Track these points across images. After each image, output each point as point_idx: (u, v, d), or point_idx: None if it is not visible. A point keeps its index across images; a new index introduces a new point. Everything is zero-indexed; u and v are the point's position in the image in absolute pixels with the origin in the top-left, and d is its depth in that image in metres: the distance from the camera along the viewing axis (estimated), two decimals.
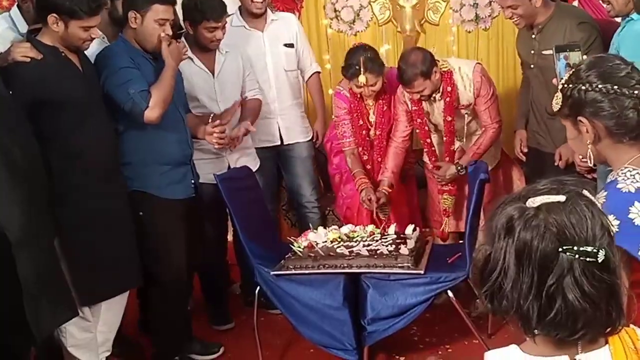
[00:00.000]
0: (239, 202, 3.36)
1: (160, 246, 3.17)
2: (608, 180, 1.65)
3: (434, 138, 3.73)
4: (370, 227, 3.42)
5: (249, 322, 3.49)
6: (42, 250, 2.60)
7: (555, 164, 3.33)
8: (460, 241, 3.70)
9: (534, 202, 1.12)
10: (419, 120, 3.63)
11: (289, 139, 4.06)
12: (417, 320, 3.22)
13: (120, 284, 3.09)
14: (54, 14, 2.76)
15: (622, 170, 1.62)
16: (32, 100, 2.75)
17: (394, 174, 3.71)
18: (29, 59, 2.75)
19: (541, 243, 1.08)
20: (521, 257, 1.10)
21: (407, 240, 3.22)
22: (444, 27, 4.90)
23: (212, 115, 3.45)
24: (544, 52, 3.28)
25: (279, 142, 4.05)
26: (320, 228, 3.43)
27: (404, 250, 3.14)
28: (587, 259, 1.07)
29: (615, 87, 1.58)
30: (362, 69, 3.50)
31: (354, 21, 4.91)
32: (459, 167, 3.61)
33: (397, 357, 3.39)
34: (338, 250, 3.18)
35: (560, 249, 1.08)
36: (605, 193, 1.58)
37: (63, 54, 2.85)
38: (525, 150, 3.68)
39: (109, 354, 3.18)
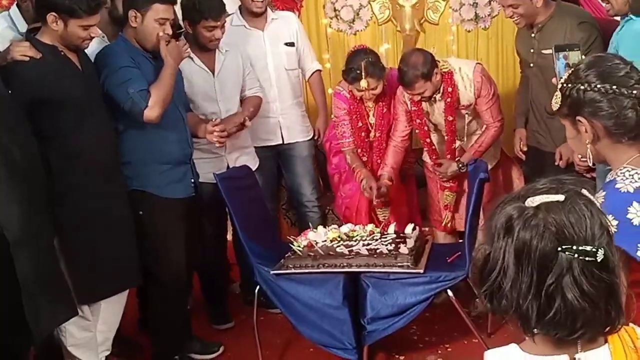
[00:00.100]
0: (238, 201, 3.36)
1: (160, 245, 3.17)
2: (607, 180, 1.65)
3: (434, 137, 3.73)
4: (370, 227, 3.42)
5: (248, 321, 3.49)
6: (41, 249, 2.60)
7: (556, 163, 3.33)
8: (460, 240, 3.70)
9: (533, 201, 1.12)
10: (418, 120, 3.63)
11: (289, 138, 4.06)
12: (417, 319, 3.22)
13: (120, 283, 3.09)
14: (53, 13, 2.75)
15: (620, 170, 1.62)
16: (32, 99, 2.75)
17: (394, 169, 3.71)
18: (28, 58, 2.75)
19: (540, 242, 1.08)
20: (520, 257, 1.10)
21: (407, 240, 3.22)
22: (443, 26, 4.90)
23: (215, 119, 3.45)
24: (543, 51, 3.28)
25: (280, 142, 4.04)
26: (320, 227, 3.44)
27: (403, 249, 3.14)
28: (586, 258, 1.07)
29: (614, 86, 1.58)
30: (363, 74, 3.49)
31: (353, 20, 4.91)
32: (460, 165, 3.61)
33: (397, 356, 3.39)
34: (338, 249, 3.18)
35: (559, 249, 1.08)
36: (604, 193, 1.58)
37: (62, 53, 2.85)
38: (525, 149, 3.68)
39: (108, 353, 3.18)
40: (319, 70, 4.23)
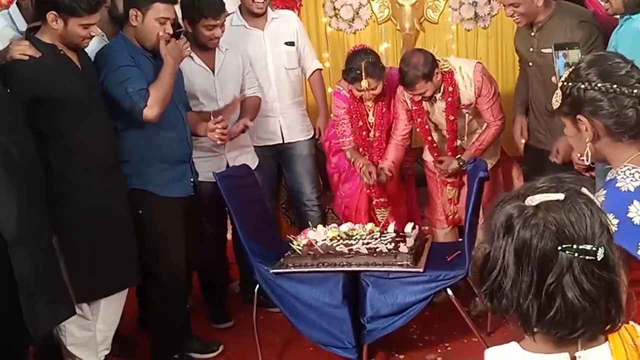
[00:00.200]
0: (238, 200, 3.36)
1: (160, 245, 3.17)
2: (607, 178, 1.65)
3: (434, 136, 3.73)
4: (370, 226, 3.42)
5: (248, 320, 3.49)
6: (40, 249, 2.60)
7: (552, 159, 3.31)
8: (460, 239, 3.70)
9: (533, 200, 1.11)
10: (419, 119, 3.64)
11: (290, 137, 4.06)
12: (417, 318, 3.22)
13: (120, 282, 3.09)
14: (54, 12, 2.75)
15: (621, 168, 1.61)
16: (31, 98, 2.74)
17: (394, 164, 3.71)
18: (27, 57, 2.74)
19: (540, 242, 1.08)
20: (520, 256, 1.09)
21: (407, 239, 3.22)
22: (443, 25, 4.91)
23: (212, 112, 3.45)
24: (543, 50, 3.28)
25: (280, 141, 4.04)
26: (320, 226, 3.44)
27: (403, 248, 3.14)
28: (587, 257, 1.07)
29: (615, 86, 1.58)
30: (363, 74, 3.49)
31: (353, 19, 4.92)
32: (461, 163, 3.62)
33: (397, 355, 3.39)
34: (337, 248, 3.18)
35: (559, 248, 1.07)
36: (605, 192, 1.58)
37: (62, 52, 2.85)
38: (526, 135, 3.66)
39: (108, 352, 3.18)
40: (320, 69, 4.22)
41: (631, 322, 1.22)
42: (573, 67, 1.66)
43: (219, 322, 3.83)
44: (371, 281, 3.11)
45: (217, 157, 3.63)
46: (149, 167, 3.15)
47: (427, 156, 3.85)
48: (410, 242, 3.19)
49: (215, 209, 3.58)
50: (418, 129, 3.72)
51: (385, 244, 3.19)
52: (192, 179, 3.30)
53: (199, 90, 3.57)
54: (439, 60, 3.49)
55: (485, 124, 3.64)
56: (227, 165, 3.63)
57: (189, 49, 3.26)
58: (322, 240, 3.25)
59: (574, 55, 1.86)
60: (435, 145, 3.73)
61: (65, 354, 3.05)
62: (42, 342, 3.08)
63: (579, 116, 1.63)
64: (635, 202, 1.53)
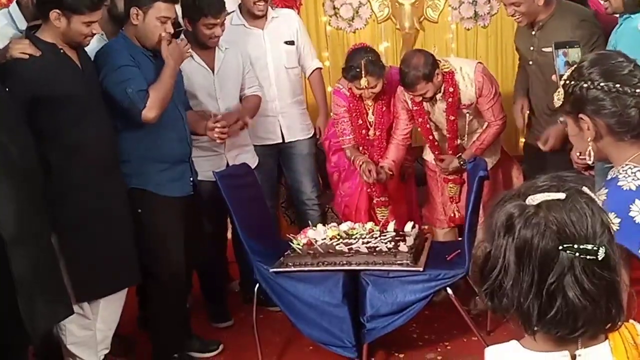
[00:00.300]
0: (237, 199, 3.36)
1: (159, 244, 3.17)
2: (608, 177, 1.65)
3: (435, 135, 3.73)
4: (370, 225, 3.42)
5: (248, 319, 3.49)
6: (39, 249, 2.60)
7: (540, 144, 3.30)
8: (459, 238, 3.70)
9: (533, 199, 1.11)
10: (420, 119, 3.64)
11: (290, 136, 4.05)
12: (416, 317, 3.23)
13: (119, 282, 3.09)
14: (57, 10, 2.75)
15: (622, 167, 1.61)
16: (31, 97, 2.74)
17: (395, 163, 3.72)
18: (27, 56, 2.74)
19: (541, 241, 1.08)
20: (521, 256, 1.09)
21: (406, 238, 3.22)
22: (443, 24, 4.90)
23: (212, 114, 3.45)
24: (544, 49, 3.28)
25: (280, 140, 4.04)
26: (320, 225, 3.44)
27: (403, 247, 3.14)
28: (588, 257, 1.07)
29: (618, 85, 1.58)
30: (363, 72, 3.49)
31: (353, 18, 4.91)
32: (462, 161, 3.62)
33: (396, 354, 3.39)
34: (337, 247, 3.18)
35: (560, 247, 1.07)
36: (606, 190, 1.57)
37: (62, 51, 2.85)
38: (526, 114, 3.65)
39: (107, 351, 3.18)
40: (320, 68, 4.22)
41: (631, 321, 1.22)
42: (576, 66, 1.66)
43: (218, 322, 3.82)
44: (371, 280, 3.11)
45: (217, 156, 3.63)
46: (149, 166, 3.14)
47: (428, 155, 3.85)
48: (410, 241, 3.19)
49: (215, 208, 3.57)
50: (419, 129, 3.72)
51: (385, 243, 3.19)
52: (191, 179, 3.30)
53: (198, 89, 3.57)
54: (439, 61, 3.49)
55: (486, 124, 3.64)
56: (227, 165, 3.63)
57: (190, 50, 3.26)
58: (322, 240, 3.25)
59: (574, 53, 1.86)
60: (436, 144, 3.73)
61: (65, 353, 3.05)
62: (42, 341, 3.08)
63: (581, 115, 1.63)
64: (637, 201, 1.53)
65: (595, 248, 1.07)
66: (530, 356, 1.16)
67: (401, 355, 3.38)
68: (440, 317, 3.61)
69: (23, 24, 3.07)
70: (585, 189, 1.14)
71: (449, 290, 3.13)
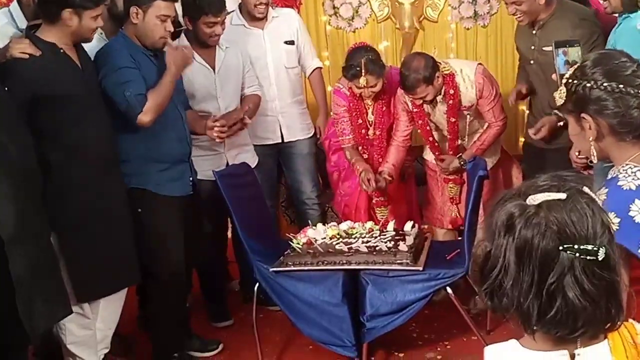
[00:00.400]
0: (237, 198, 3.36)
1: (159, 244, 3.17)
2: (609, 177, 1.65)
3: (435, 135, 3.73)
4: (369, 224, 3.42)
5: (248, 318, 3.49)
6: (38, 248, 2.60)
7: (531, 133, 3.30)
8: (459, 238, 3.70)
9: (534, 199, 1.11)
10: (420, 121, 3.64)
11: (290, 136, 4.05)
12: (416, 316, 3.23)
13: (119, 282, 3.09)
14: (68, 9, 2.76)
15: (623, 167, 1.61)
16: (31, 97, 2.74)
17: (395, 167, 3.72)
18: (27, 56, 2.74)
19: (542, 241, 1.08)
20: (522, 256, 1.09)
21: (406, 237, 3.22)
22: (442, 24, 4.89)
23: (213, 116, 3.45)
24: (544, 48, 3.28)
25: (279, 140, 4.04)
26: (319, 225, 3.44)
27: (402, 246, 3.14)
28: (588, 257, 1.07)
29: (621, 86, 1.58)
30: (363, 71, 3.49)
31: (352, 18, 4.90)
32: (462, 162, 3.62)
33: (396, 353, 3.39)
34: (337, 246, 3.18)
35: (560, 248, 1.07)
36: (606, 190, 1.57)
37: (62, 51, 2.85)
38: (514, 98, 3.65)
39: (107, 351, 3.18)
40: (320, 68, 4.22)
41: (630, 320, 1.22)
42: (579, 65, 1.66)
43: (218, 321, 3.83)
44: (371, 279, 3.11)
45: (216, 155, 3.63)
46: (149, 166, 3.14)
47: (428, 155, 3.85)
48: (409, 240, 3.19)
49: (215, 207, 3.57)
50: (419, 130, 3.72)
51: (385, 243, 3.19)
52: (191, 178, 3.30)
53: (199, 88, 3.57)
54: (439, 63, 3.49)
55: (487, 124, 3.64)
56: (227, 164, 3.63)
57: (193, 58, 3.26)
58: (322, 239, 3.25)
59: (574, 52, 1.86)
60: (437, 144, 3.73)
61: (65, 352, 3.05)
62: (42, 341, 3.09)
63: (583, 114, 1.63)
64: (637, 200, 1.53)
65: (595, 248, 1.07)
66: (530, 355, 1.16)
67: (401, 355, 3.39)
68: (440, 317, 3.61)
69: (23, 23, 3.07)
70: (585, 189, 1.14)
71: (449, 290, 3.14)
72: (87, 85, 2.93)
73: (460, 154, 3.67)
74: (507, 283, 1.11)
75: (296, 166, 4.11)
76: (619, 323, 1.14)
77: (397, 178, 3.82)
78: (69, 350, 3.02)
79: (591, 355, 1.14)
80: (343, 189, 4.01)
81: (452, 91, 3.50)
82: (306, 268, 3.17)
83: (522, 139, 3.76)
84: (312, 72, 4.17)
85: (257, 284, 3.30)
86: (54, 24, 2.80)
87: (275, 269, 3.21)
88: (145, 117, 2.99)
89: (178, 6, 3.45)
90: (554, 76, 1.81)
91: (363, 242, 3.20)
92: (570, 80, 1.64)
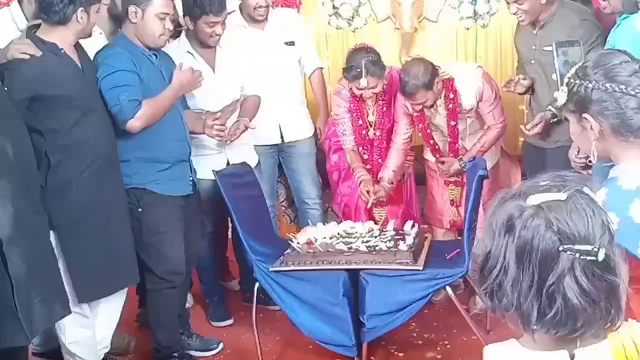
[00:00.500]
0: (237, 198, 3.36)
1: (159, 243, 3.17)
2: (609, 177, 1.65)
3: (435, 136, 3.73)
4: (369, 224, 3.43)
5: (248, 318, 3.49)
6: (36, 248, 2.60)
7: (528, 128, 3.30)
8: (459, 238, 3.71)
9: (534, 199, 1.11)
10: (420, 125, 3.64)
11: (290, 136, 4.05)
12: (416, 316, 3.23)
13: (119, 282, 3.09)
14: (81, 8, 2.77)
15: (623, 167, 1.62)
16: (32, 97, 2.75)
17: (395, 172, 3.72)
18: (28, 56, 2.74)
19: (542, 242, 1.08)
20: (522, 256, 1.09)
21: (406, 237, 3.23)
22: (442, 24, 4.90)
23: (206, 112, 3.44)
24: (545, 48, 3.28)
25: (279, 141, 4.04)
26: (320, 224, 3.44)
27: (402, 246, 3.15)
28: (588, 258, 1.07)
29: (622, 86, 1.58)
30: (363, 72, 3.49)
31: (352, 18, 4.91)
32: (462, 164, 3.62)
33: (396, 353, 3.40)
34: (337, 246, 3.19)
35: (560, 248, 1.07)
36: (606, 190, 1.57)
37: (62, 51, 2.85)
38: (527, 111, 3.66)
39: (107, 350, 3.19)
40: (320, 68, 4.22)
41: (630, 319, 1.22)
42: (580, 65, 1.66)
43: (218, 320, 3.83)
44: (371, 279, 3.11)
45: (216, 155, 3.62)
46: (149, 166, 3.14)
47: (428, 154, 3.85)
48: (409, 240, 3.19)
49: (215, 207, 3.58)
50: (420, 133, 3.72)
51: (385, 242, 3.20)
52: (191, 178, 3.30)
53: (199, 88, 3.56)
54: (438, 67, 3.49)
55: (487, 125, 3.64)
56: (227, 163, 3.63)
57: (201, 82, 3.28)
58: (322, 239, 3.26)
59: (575, 53, 1.86)
60: (437, 147, 3.73)
61: (64, 352, 3.05)
62: (41, 341, 3.09)
63: (584, 115, 1.63)
64: (637, 200, 1.53)
65: (595, 249, 1.07)
66: (529, 355, 1.16)
67: (401, 354, 3.39)
68: (440, 316, 3.61)
69: (23, 23, 3.07)
70: (586, 189, 1.14)
71: (449, 290, 3.14)
72: (87, 86, 2.93)
73: (461, 156, 3.67)
74: (506, 283, 1.11)
75: (296, 166, 4.11)
76: (618, 323, 1.14)
77: (397, 179, 3.82)
78: (69, 349, 3.02)
79: (591, 355, 1.14)
80: (343, 189, 4.01)
81: (452, 95, 3.51)
82: (306, 268, 3.17)
83: (522, 139, 3.75)
84: (312, 72, 4.16)
85: (257, 284, 3.30)
86: (63, 25, 2.80)
87: (275, 268, 3.21)
88: (134, 123, 2.99)
89: (178, 6, 3.45)
90: (554, 76, 1.81)
91: (363, 242, 3.20)
92: (571, 81, 1.64)
